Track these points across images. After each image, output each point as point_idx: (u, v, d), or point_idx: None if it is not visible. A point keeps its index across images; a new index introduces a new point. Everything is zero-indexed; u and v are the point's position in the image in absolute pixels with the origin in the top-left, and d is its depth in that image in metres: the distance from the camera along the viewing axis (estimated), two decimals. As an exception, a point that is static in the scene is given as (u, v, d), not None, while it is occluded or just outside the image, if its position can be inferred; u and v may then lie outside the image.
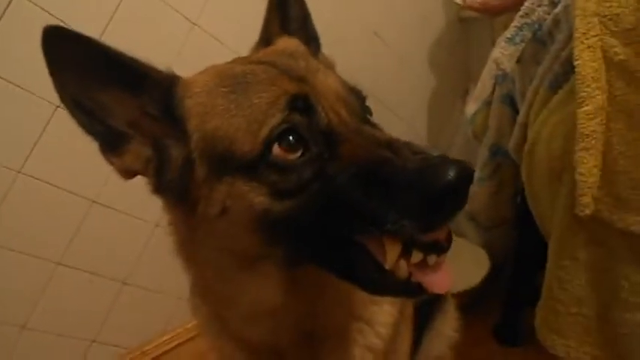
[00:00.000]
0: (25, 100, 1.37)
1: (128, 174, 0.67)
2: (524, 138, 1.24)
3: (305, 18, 0.86)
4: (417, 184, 0.53)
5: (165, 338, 1.86)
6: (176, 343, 1.87)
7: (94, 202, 1.58)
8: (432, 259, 0.59)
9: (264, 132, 0.60)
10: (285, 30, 0.83)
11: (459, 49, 2.47)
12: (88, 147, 1.53)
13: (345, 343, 0.81)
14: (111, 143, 0.65)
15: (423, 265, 0.59)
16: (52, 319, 1.58)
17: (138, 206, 1.69)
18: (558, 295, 1.18)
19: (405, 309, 0.91)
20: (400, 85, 2.28)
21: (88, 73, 0.61)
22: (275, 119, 0.60)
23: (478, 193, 1.56)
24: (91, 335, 1.69)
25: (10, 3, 1.30)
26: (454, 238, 1.86)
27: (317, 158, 0.61)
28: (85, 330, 1.68)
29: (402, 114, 2.31)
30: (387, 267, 0.58)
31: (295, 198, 0.60)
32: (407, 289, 0.61)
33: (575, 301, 1.16)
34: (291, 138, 0.60)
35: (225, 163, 0.62)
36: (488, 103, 1.50)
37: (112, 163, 0.66)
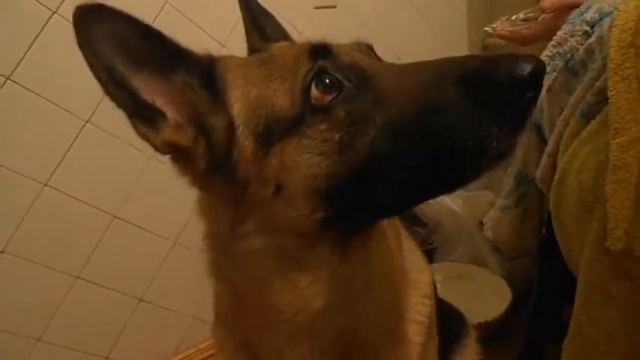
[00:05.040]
0: (55, 115, 1.40)
1: (166, 148, 0.64)
2: (553, 168, 1.21)
3: (285, 35, 0.90)
4: (499, 80, 0.51)
5: (178, 357, 1.84)
6: (189, 363, 1.85)
7: (115, 217, 1.59)
8: None
9: (298, 81, 0.61)
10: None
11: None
12: (112, 162, 1.55)
13: None
14: (145, 116, 0.62)
15: None
16: (67, 333, 1.58)
17: (158, 223, 1.69)
18: (587, 332, 1.14)
19: (431, 329, 0.88)
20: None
21: (129, 51, 0.60)
22: (303, 68, 0.61)
23: (502, 221, 1.53)
24: (105, 351, 1.68)
25: (48, 21, 1.34)
26: (476, 268, 1.80)
27: (356, 92, 0.60)
28: (99, 346, 1.67)
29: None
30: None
31: (355, 148, 0.58)
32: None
33: (605, 338, 1.12)
34: (327, 80, 0.60)
35: (271, 129, 0.61)
36: (514, 131, 1.48)
37: (144, 136, 0.62)
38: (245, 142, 0.63)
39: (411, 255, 0.90)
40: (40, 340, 1.53)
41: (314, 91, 0.60)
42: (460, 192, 2.07)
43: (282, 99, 0.61)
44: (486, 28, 1.36)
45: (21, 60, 1.34)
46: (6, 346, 1.47)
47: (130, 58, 0.60)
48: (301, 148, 0.59)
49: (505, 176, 1.54)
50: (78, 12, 0.56)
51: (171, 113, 0.64)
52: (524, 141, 1.43)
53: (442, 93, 0.54)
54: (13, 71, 1.33)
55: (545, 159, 1.25)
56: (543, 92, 1.22)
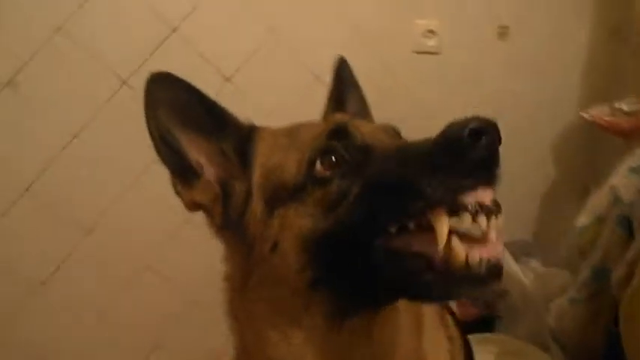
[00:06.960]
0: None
1: (193, 207, 0.75)
2: (630, 275, 1.12)
3: (362, 110, 0.95)
4: (443, 142, 0.55)
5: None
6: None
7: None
8: (482, 220, 0.56)
9: (307, 154, 0.67)
10: None
11: (584, 142, 2.25)
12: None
13: None
14: (183, 176, 0.73)
15: (474, 240, 0.57)
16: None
17: (176, 267, 1.81)
18: None
19: None
20: (512, 168, 2.17)
21: (184, 115, 0.71)
22: (317, 144, 0.68)
23: (569, 314, 1.41)
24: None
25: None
26: (537, 351, 1.63)
27: (354, 168, 0.65)
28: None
29: (508, 198, 2.18)
30: (439, 246, 0.55)
31: (337, 210, 0.63)
32: (468, 277, 0.56)
33: None
34: (332, 158, 0.66)
35: (278, 193, 0.68)
36: (600, 220, 1.38)
37: (179, 194, 0.73)
38: (257, 204, 0.71)
39: (433, 336, 0.86)
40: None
41: (318, 166, 0.66)
42: (536, 266, 1.94)
43: (291, 166, 0.68)
44: (582, 114, 1.28)
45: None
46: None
47: (183, 122, 0.71)
48: (297, 212, 0.66)
49: (582, 266, 1.44)
50: (149, 79, 0.69)
51: (208, 173, 0.74)
52: (609, 234, 1.33)
53: (407, 171, 0.58)
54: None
55: (622, 266, 1.15)
56: (632, 195, 1.13)
